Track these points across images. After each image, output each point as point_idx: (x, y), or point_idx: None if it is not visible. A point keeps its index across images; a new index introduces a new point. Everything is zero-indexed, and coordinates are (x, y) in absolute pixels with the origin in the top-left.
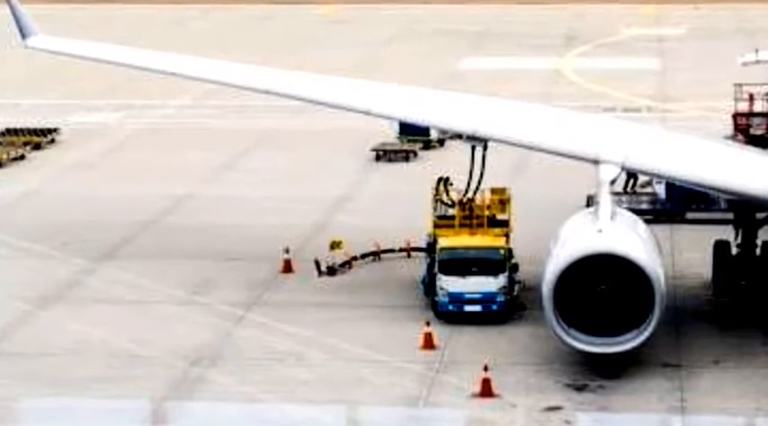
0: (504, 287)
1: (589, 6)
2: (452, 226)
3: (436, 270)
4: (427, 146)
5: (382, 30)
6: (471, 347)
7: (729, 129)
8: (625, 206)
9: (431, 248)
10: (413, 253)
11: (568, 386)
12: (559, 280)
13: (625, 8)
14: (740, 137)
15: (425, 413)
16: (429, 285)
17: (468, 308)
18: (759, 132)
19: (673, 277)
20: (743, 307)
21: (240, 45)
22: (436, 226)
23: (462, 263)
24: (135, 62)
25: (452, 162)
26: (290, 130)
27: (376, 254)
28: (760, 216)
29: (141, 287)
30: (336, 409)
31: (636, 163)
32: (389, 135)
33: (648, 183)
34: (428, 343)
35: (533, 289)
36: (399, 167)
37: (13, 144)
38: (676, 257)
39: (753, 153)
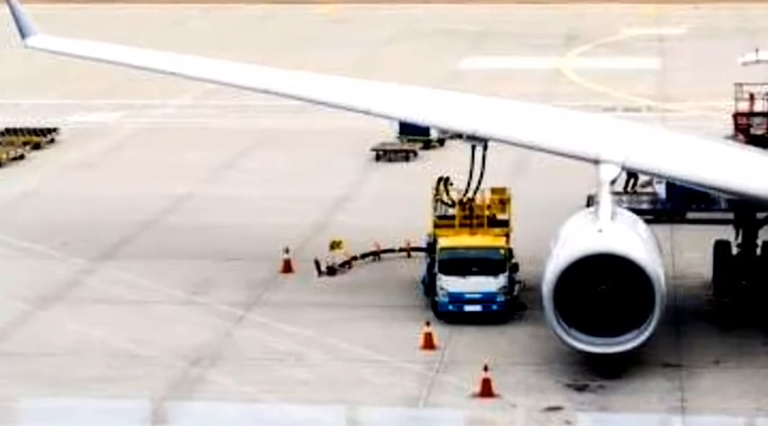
0: (505, 287)
1: (589, 6)
2: (452, 226)
3: (436, 269)
4: (427, 145)
5: (382, 29)
6: (471, 347)
7: (730, 129)
8: (625, 206)
9: (431, 248)
10: (413, 253)
11: (569, 386)
12: (560, 280)
13: (625, 8)
14: (741, 136)
15: (425, 414)
16: (429, 285)
17: (468, 308)
18: (759, 132)
19: (673, 277)
20: (743, 307)
21: (240, 45)
22: (436, 225)
23: (462, 263)
24: (135, 62)
25: (452, 162)
26: (290, 130)
27: (376, 254)
28: (760, 216)
29: (141, 287)
30: (336, 409)
31: (636, 162)
32: (389, 135)
33: (649, 183)
34: (428, 343)
35: (533, 289)
36: (399, 167)
37: (12, 143)
38: (677, 257)
39: (753, 153)
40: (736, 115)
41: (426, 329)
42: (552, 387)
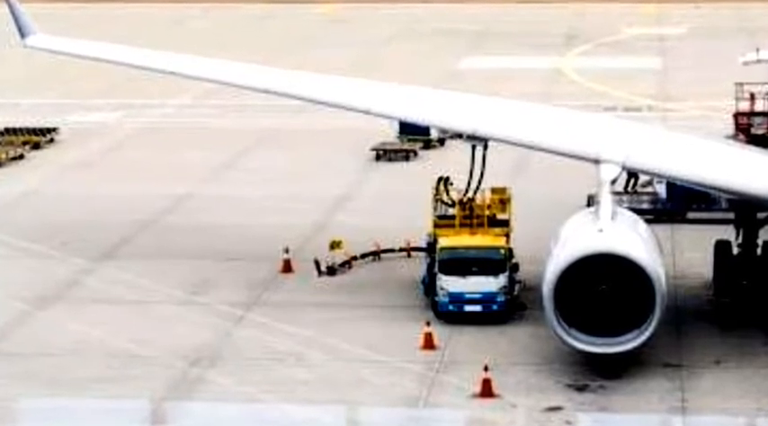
0: (505, 287)
1: (590, 5)
2: (453, 226)
3: (436, 269)
4: (427, 145)
5: (382, 29)
6: (471, 347)
7: (730, 129)
8: (626, 205)
9: (431, 248)
10: (413, 253)
11: (569, 386)
12: (560, 280)
13: (626, 7)
14: (741, 136)
15: (425, 414)
16: (429, 285)
17: (468, 308)
18: (760, 131)
19: (674, 277)
20: (744, 307)
21: (240, 44)
22: (436, 225)
23: (462, 263)
24: (134, 61)
25: (453, 161)
26: (289, 130)
27: (376, 254)
28: (761, 215)
29: (141, 287)
30: (336, 409)
31: (637, 162)
32: (389, 134)
33: (649, 183)
34: (428, 343)
35: (534, 289)
36: (399, 167)
37: (12, 143)
38: (677, 257)
39: (754, 152)
40: (737, 115)
41: (426, 329)
42: (552, 387)
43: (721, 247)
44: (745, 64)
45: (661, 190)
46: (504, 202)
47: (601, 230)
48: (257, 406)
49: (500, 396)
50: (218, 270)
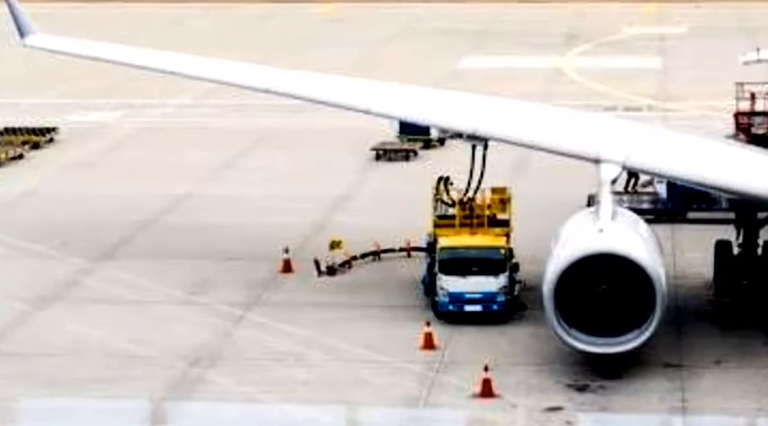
0: (505, 286)
1: (590, 5)
2: (453, 226)
3: (436, 269)
4: (427, 145)
5: (382, 28)
6: (472, 347)
7: (731, 129)
8: (626, 205)
9: (431, 248)
10: (413, 253)
11: (569, 386)
12: (560, 280)
13: (626, 7)
14: (742, 136)
15: (425, 414)
16: (429, 285)
17: (468, 308)
18: (761, 131)
19: (674, 277)
20: (744, 307)
21: (240, 44)
22: (436, 225)
23: (463, 263)
24: (134, 61)
25: (453, 161)
26: (289, 129)
27: (376, 254)
28: (761, 215)
29: (140, 287)
30: (336, 409)
31: (637, 162)
32: (389, 134)
33: (649, 183)
34: (428, 343)
35: (534, 289)
36: (399, 166)
37: (11, 143)
38: (677, 257)
39: (754, 152)
40: (737, 114)
41: (426, 329)
42: (553, 388)
43: (722, 247)
44: (746, 63)
45: (661, 189)
46: (504, 202)
47: (601, 230)
48: (257, 406)
49: (500, 396)
50: (217, 270)
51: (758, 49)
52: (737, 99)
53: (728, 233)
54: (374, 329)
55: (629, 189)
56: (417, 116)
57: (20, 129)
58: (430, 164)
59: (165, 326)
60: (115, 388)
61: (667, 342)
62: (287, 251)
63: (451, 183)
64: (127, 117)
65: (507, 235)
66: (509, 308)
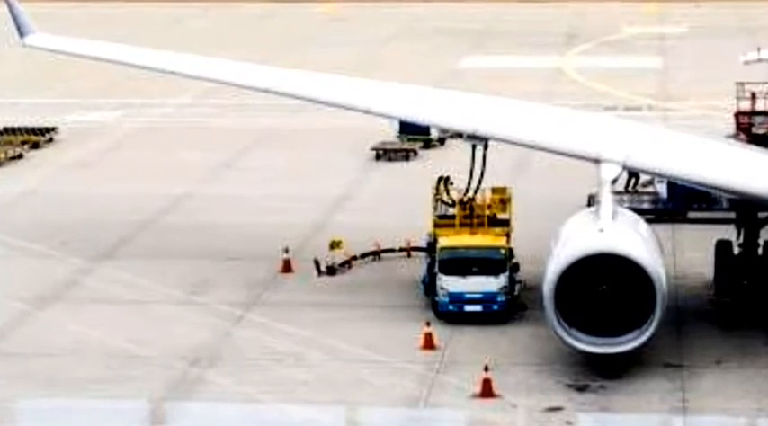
0: (505, 286)
1: (590, 4)
2: (453, 226)
3: (436, 269)
4: (427, 145)
5: (382, 28)
6: (472, 347)
7: (731, 128)
8: (626, 205)
9: (431, 248)
10: (413, 253)
11: (570, 386)
12: (560, 280)
13: (626, 6)
14: (742, 135)
15: (426, 414)
16: (429, 285)
17: (468, 308)
18: (761, 131)
19: (674, 277)
20: (745, 307)
21: (240, 43)
22: (436, 225)
23: (463, 263)
24: (134, 60)
25: (453, 161)
26: (289, 129)
27: (376, 254)
28: (762, 215)
29: (140, 286)
30: (336, 409)
31: (637, 162)
32: (389, 134)
33: (650, 183)
34: (428, 343)
35: (534, 289)
36: (399, 166)
37: (11, 143)
38: (678, 257)
39: (755, 152)
40: (738, 114)
41: (426, 329)
42: (553, 388)
43: (722, 247)
44: (746, 63)
45: (662, 189)
46: (504, 202)
47: (601, 230)
48: (256, 406)
49: (500, 397)
50: (217, 269)
51: (759, 49)
52: (738, 98)
53: (729, 233)
54: (374, 329)
55: (630, 188)
56: (417, 116)
57: (19, 129)
58: (430, 164)
59: (165, 326)
60: (115, 388)
61: (668, 342)
62: (287, 251)
63: (451, 183)
64: (126, 117)
65: (507, 235)
66: (509, 308)
